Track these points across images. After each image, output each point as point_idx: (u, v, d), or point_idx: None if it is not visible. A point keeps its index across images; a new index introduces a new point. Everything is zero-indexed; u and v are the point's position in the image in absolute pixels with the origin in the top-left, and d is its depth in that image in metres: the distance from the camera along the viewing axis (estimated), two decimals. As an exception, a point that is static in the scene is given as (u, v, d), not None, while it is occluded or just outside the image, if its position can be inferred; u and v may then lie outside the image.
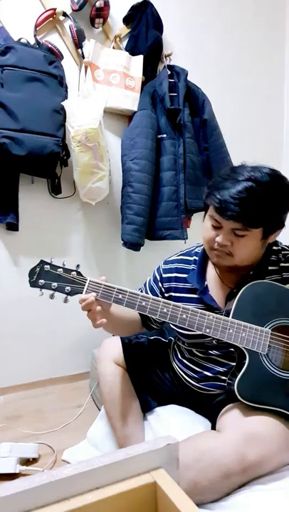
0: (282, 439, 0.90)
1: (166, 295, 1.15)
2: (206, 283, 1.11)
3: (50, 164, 1.61)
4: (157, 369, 1.26)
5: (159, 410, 1.24)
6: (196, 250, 1.19)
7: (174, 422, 1.16)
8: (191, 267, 1.15)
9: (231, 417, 0.98)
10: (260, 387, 0.96)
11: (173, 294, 1.14)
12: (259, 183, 0.93)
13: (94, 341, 1.69)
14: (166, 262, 1.21)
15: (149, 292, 1.19)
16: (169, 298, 1.13)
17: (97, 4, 1.65)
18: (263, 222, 0.96)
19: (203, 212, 1.08)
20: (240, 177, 0.94)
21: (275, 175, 0.96)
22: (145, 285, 1.23)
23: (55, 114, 1.56)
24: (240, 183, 0.93)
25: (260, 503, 0.83)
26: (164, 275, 1.17)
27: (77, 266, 0.99)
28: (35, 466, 1.32)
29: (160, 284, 1.17)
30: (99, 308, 0.97)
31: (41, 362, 1.87)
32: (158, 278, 1.19)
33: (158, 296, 1.16)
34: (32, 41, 1.60)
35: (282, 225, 1.02)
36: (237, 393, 0.94)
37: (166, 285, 1.16)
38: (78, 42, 1.66)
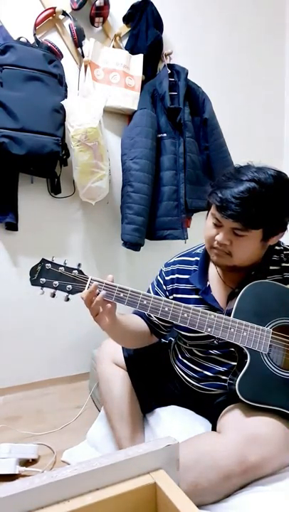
0: (282, 441, 0.90)
1: (170, 297, 1.14)
2: (208, 283, 1.11)
3: (50, 164, 1.60)
4: (157, 370, 1.26)
5: (159, 411, 1.23)
6: (197, 251, 1.18)
7: (174, 423, 1.16)
8: (193, 267, 1.14)
9: (232, 418, 0.98)
10: (262, 387, 0.96)
11: (175, 295, 1.14)
12: (262, 184, 0.93)
13: (94, 341, 1.69)
14: (167, 265, 1.20)
15: None
16: (173, 300, 1.12)
17: (97, 3, 1.65)
18: (263, 224, 0.95)
19: (203, 212, 1.07)
20: (243, 177, 0.94)
21: (279, 177, 0.96)
22: (149, 292, 1.20)
23: (54, 114, 1.55)
24: (243, 183, 0.93)
25: (261, 504, 0.82)
26: (166, 278, 1.16)
27: (79, 265, 0.98)
28: (35, 467, 1.31)
29: (164, 287, 1.16)
30: (109, 305, 0.97)
31: (41, 362, 1.86)
32: (161, 282, 1.18)
33: None
34: (31, 40, 1.59)
35: (284, 229, 1.01)
36: (238, 392, 0.94)
37: (169, 287, 1.15)
38: (78, 41, 1.66)
